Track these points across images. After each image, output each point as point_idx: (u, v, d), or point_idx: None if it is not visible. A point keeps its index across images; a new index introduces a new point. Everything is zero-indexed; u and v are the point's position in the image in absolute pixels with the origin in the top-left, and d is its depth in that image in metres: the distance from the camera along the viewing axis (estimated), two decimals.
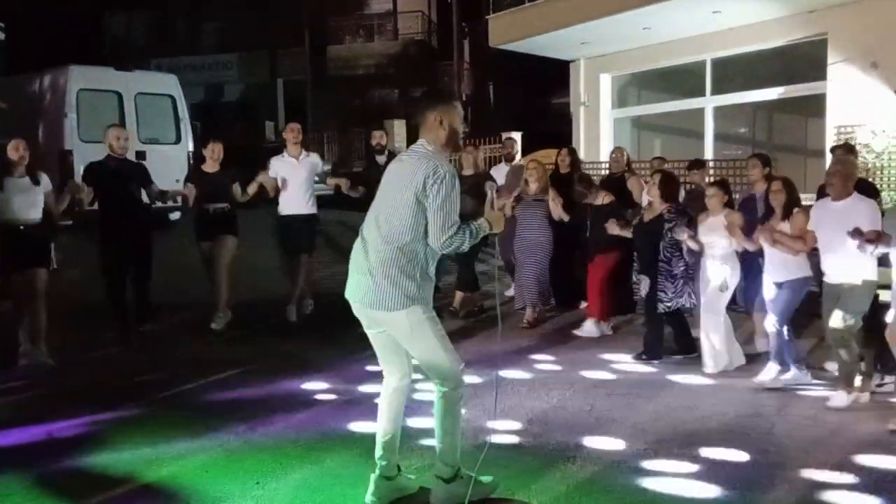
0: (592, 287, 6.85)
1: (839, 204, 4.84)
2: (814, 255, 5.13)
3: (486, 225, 3.31)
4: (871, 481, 3.65)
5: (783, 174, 6.27)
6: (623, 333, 6.93)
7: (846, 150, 6.21)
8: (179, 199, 7.44)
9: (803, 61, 10.58)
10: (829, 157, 9.48)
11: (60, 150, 11.12)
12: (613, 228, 6.46)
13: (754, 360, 5.78)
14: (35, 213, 5.77)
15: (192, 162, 11.92)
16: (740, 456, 3.99)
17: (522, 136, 14.52)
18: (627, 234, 6.38)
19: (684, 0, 9.55)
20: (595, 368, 5.76)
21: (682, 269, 5.91)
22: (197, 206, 6.95)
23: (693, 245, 5.73)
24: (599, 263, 6.84)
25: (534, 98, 21.35)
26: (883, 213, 4.98)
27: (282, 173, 7.17)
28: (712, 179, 8.74)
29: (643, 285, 6.10)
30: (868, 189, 5.68)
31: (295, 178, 7.17)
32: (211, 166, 6.98)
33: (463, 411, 3.45)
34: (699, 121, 11.90)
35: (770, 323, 5.32)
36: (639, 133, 13.71)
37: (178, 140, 12.36)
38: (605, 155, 12.79)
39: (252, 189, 7.03)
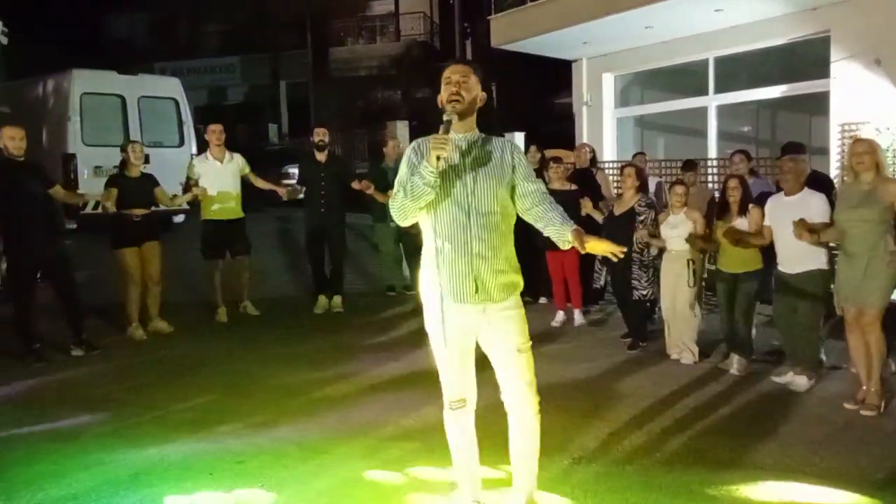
0: (573, 277, 7.10)
1: (791, 198, 5.19)
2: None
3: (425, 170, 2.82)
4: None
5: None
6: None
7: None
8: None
9: (806, 59, 10.54)
10: (833, 155, 9.48)
11: (64, 153, 11.16)
12: (588, 206, 6.73)
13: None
14: None
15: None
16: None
17: (526, 137, 14.51)
18: (598, 216, 6.74)
19: None
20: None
21: (653, 258, 6.22)
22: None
23: (655, 242, 6.11)
24: (573, 253, 7.00)
25: (537, 98, 21.33)
26: None
27: (205, 176, 7.24)
28: (710, 178, 8.74)
29: (602, 276, 6.78)
30: (825, 182, 6.04)
31: (220, 181, 7.25)
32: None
33: None
34: (702, 119, 11.87)
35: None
36: (642, 132, 13.68)
37: (181, 143, 12.39)
38: (608, 154, 12.78)
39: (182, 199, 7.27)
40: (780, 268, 5.30)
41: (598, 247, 2.85)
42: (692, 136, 12.35)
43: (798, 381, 5.17)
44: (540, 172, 7.71)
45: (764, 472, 3.78)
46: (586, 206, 6.75)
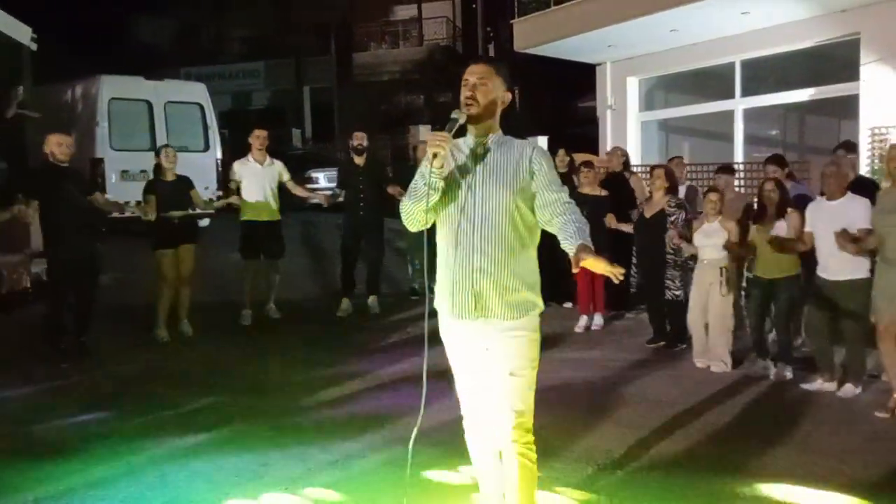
0: (599, 281, 7.03)
1: (833, 203, 5.05)
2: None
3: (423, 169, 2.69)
4: None
5: (815, 176, 6.22)
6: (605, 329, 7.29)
7: (848, 149, 6.14)
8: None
9: (835, 62, 10.38)
10: (863, 159, 9.33)
11: (92, 158, 11.31)
12: (612, 221, 6.68)
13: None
14: None
15: (220, 169, 12.07)
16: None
17: (549, 140, 14.46)
18: (626, 228, 6.67)
19: (712, 1, 9.43)
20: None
21: (685, 259, 6.15)
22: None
23: (685, 247, 6.01)
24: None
25: (560, 101, 21.27)
26: None
27: (246, 179, 7.38)
28: (738, 184, 8.64)
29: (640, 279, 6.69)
30: (870, 186, 5.81)
31: (259, 184, 7.38)
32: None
33: None
34: (728, 123, 11.74)
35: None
36: (667, 136, 13.57)
37: (206, 148, 12.51)
38: (632, 159, 12.66)
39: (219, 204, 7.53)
40: (821, 274, 5.17)
41: (597, 266, 2.48)
42: (718, 140, 12.24)
43: (846, 388, 5.08)
44: (569, 177, 7.66)
45: (792, 480, 3.71)
46: (611, 221, 6.72)
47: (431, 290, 2.88)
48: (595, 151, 12.97)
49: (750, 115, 11.70)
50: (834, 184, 5.07)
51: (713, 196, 5.94)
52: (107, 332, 6.70)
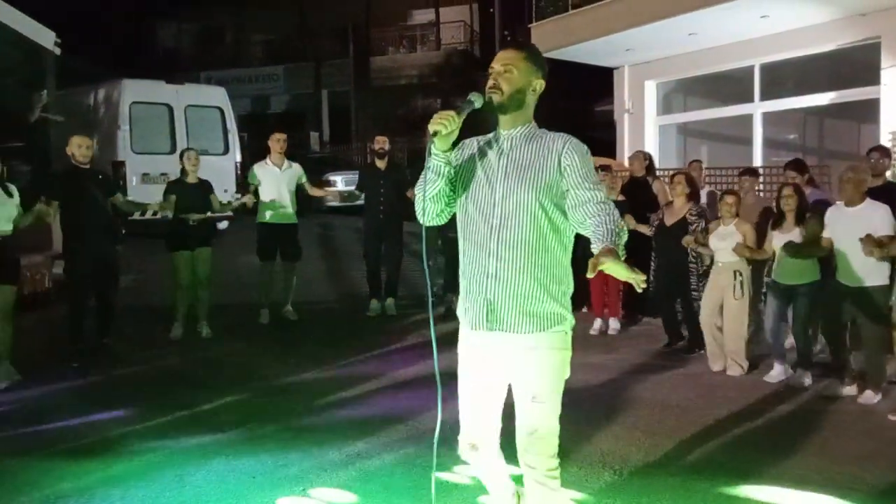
0: (614, 285, 7.04)
1: (853, 209, 5.02)
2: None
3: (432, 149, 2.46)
4: None
5: (834, 181, 6.16)
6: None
7: (882, 153, 6.04)
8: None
9: (856, 65, 10.30)
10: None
11: (114, 161, 11.46)
12: (630, 222, 6.68)
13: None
14: (5, 225, 5.48)
15: (239, 172, 12.19)
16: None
17: None
18: (645, 230, 6.71)
19: (731, 5, 9.38)
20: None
21: (706, 268, 6.15)
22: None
23: (703, 251, 6.05)
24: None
25: (577, 105, 21.21)
26: None
27: (264, 181, 7.46)
28: (757, 188, 8.57)
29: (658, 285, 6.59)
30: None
31: (277, 187, 7.45)
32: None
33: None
34: (747, 127, 11.68)
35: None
36: (685, 140, 13.51)
37: (226, 151, 12.63)
38: None
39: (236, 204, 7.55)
40: (840, 279, 5.14)
41: (618, 271, 2.18)
42: (737, 143, 12.16)
43: (867, 395, 5.03)
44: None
45: (810, 486, 3.68)
46: (629, 222, 6.70)
47: (444, 291, 2.80)
48: (612, 156, 12.94)
49: (769, 118, 11.63)
50: (852, 189, 5.03)
51: (729, 199, 5.94)
52: (126, 332, 6.80)
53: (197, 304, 7.02)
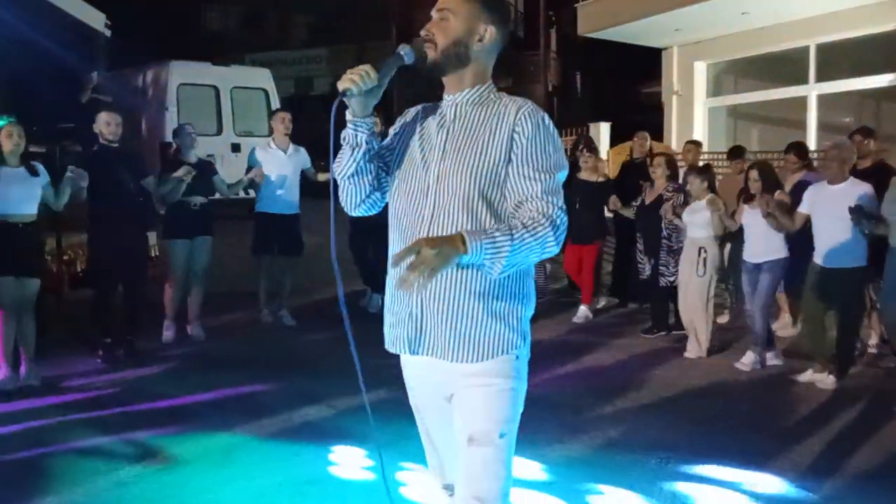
0: (588, 271, 6.94)
1: (835, 187, 4.91)
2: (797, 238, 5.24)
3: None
4: None
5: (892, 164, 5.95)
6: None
7: (864, 134, 5.86)
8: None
9: None
10: None
11: (161, 142, 11.64)
12: (616, 204, 6.67)
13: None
14: (29, 209, 5.00)
15: None
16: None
17: (612, 127, 14.22)
18: (628, 213, 6.67)
19: None
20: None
21: (682, 245, 6.05)
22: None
23: (677, 221, 5.98)
24: (590, 250, 6.95)
25: (623, 88, 20.89)
26: None
27: (266, 165, 6.63)
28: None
29: (648, 267, 6.43)
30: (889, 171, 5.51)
31: (280, 173, 6.66)
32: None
33: None
34: (801, 110, 11.35)
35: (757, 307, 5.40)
36: (735, 122, 13.21)
37: (270, 133, 12.69)
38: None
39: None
40: (816, 260, 5.05)
41: (431, 262, 1.69)
42: (789, 126, 11.84)
43: (827, 380, 4.97)
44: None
45: (788, 470, 3.66)
46: (615, 204, 6.70)
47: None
48: (659, 139, 12.70)
49: (824, 101, 11.29)
50: (837, 167, 4.94)
51: (695, 179, 5.88)
52: (147, 324, 6.11)
53: (190, 299, 6.29)
